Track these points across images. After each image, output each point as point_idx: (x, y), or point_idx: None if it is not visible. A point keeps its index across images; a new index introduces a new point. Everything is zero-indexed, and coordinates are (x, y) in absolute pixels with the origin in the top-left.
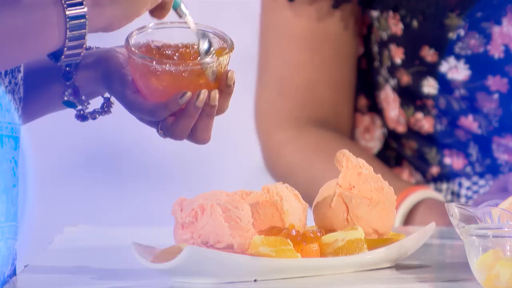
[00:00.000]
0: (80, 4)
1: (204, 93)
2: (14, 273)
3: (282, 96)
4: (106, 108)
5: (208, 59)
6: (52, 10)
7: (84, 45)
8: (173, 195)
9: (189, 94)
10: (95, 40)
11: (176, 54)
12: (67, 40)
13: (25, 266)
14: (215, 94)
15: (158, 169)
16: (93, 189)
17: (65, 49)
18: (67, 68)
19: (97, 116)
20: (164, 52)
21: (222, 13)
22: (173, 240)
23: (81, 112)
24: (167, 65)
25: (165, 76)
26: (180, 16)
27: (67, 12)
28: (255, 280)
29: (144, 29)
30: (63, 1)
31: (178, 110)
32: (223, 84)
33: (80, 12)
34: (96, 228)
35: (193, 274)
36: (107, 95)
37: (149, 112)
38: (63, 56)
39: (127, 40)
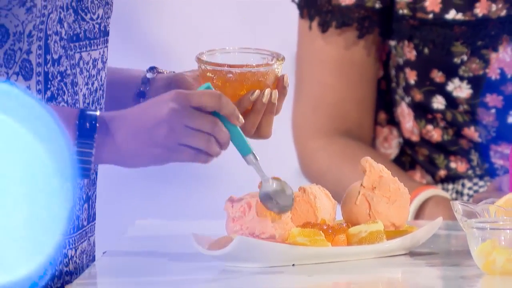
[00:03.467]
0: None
1: (268, 92)
2: (93, 259)
3: (315, 111)
4: None
5: (268, 64)
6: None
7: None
8: (225, 193)
9: (258, 91)
10: (163, 62)
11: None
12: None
13: (103, 253)
14: (275, 93)
15: (213, 171)
16: (160, 188)
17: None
18: (141, 88)
19: None
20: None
21: (266, 41)
22: (225, 231)
23: None
24: (238, 69)
25: (236, 80)
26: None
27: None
28: (293, 265)
29: (212, 51)
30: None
31: (245, 110)
32: (280, 85)
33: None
34: (162, 221)
35: (242, 260)
36: None
37: None
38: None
39: (200, 56)
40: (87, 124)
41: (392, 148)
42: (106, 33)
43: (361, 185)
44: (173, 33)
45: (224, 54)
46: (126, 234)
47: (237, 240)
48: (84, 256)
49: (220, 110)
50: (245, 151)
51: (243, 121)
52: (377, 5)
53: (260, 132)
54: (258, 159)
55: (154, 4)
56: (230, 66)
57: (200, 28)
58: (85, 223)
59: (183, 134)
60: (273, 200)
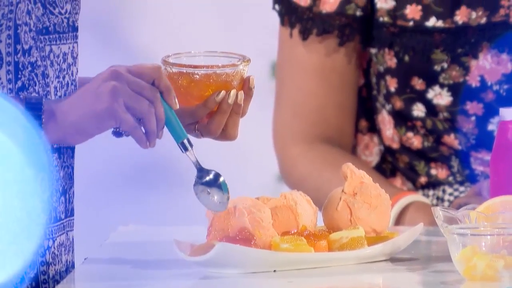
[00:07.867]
0: (39, 117)
1: (234, 92)
2: (73, 255)
3: (295, 117)
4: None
5: (234, 64)
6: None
7: None
8: None
9: (223, 92)
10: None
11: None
12: None
13: (85, 259)
14: (241, 94)
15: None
16: (143, 195)
17: None
18: None
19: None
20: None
21: (246, 48)
22: (206, 237)
23: (117, 129)
24: (203, 69)
25: (201, 81)
26: (183, 151)
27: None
28: (274, 271)
29: (178, 55)
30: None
31: (210, 112)
32: (246, 87)
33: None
34: (144, 227)
35: (224, 266)
36: None
37: (190, 114)
38: None
39: (166, 58)
40: (32, 111)
41: (373, 155)
42: (75, 29)
43: (343, 191)
44: (155, 38)
45: (190, 58)
46: (108, 240)
47: (219, 246)
48: (63, 249)
49: (159, 81)
50: (179, 137)
51: (178, 106)
52: (358, 13)
53: (226, 133)
54: (193, 146)
55: (135, 9)
56: (195, 66)
57: (181, 34)
58: (62, 216)
59: (127, 94)
60: (209, 194)
